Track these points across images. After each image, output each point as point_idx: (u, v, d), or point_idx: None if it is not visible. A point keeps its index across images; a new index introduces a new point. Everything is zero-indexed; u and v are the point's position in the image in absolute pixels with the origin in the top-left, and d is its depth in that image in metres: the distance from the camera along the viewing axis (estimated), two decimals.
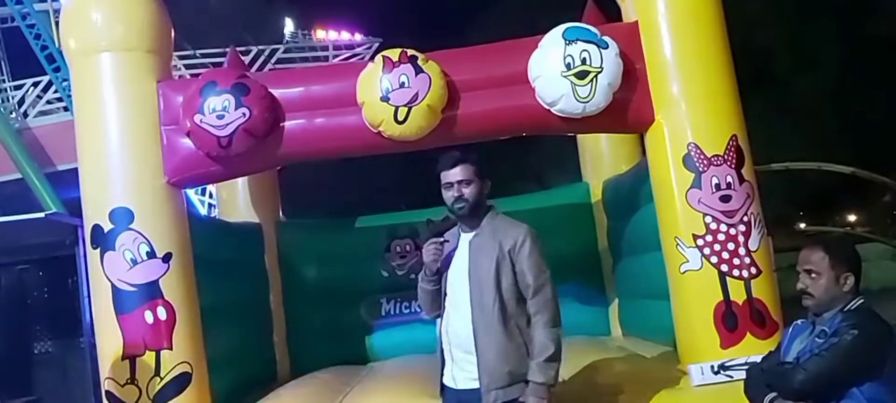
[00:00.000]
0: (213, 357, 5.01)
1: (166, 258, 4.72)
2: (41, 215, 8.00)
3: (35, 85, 18.73)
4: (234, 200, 6.92)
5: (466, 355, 3.39)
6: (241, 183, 6.84)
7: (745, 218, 4.67)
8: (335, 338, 6.89)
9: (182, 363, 4.68)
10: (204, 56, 20.90)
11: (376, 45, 23.58)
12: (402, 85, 4.70)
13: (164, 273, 4.70)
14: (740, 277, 4.63)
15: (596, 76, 4.67)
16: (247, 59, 20.43)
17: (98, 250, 4.68)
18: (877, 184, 12.73)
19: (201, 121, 4.69)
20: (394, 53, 4.82)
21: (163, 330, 4.65)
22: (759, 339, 4.54)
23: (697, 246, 4.67)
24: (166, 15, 5.07)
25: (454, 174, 3.45)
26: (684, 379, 4.66)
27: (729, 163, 4.70)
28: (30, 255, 8.19)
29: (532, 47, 4.86)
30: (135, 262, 4.64)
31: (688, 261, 4.70)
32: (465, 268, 3.43)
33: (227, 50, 6.11)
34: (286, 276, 6.90)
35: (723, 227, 4.65)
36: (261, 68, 21.74)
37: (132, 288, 4.63)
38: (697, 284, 4.68)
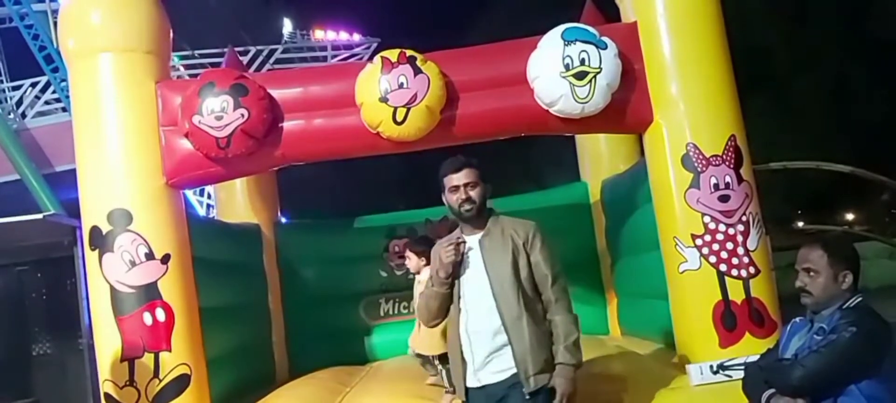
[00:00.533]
0: (212, 358, 5.01)
1: (165, 259, 4.71)
2: (39, 216, 7.98)
3: (33, 85, 18.75)
4: (233, 201, 6.92)
5: (495, 351, 3.42)
6: (239, 184, 6.84)
7: (744, 218, 4.68)
8: (334, 339, 6.89)
9: (181, 364, 4.68)
10: (202, 56, 20.91)
11: (375, 45, 23.61)
12: (400, 85, 4.70)
13: (163, 274, 4.70)
14: (739, 277, 4.64)
15: (595, 76, 4.67)
16: (245, 60, 20.47)
17: (96, 251, 4.68)
18: (875, 183, 12.73)
19: (200, 121, 4.69)
20: (392, 54, 4.82)
21: (161, 332, 4.64)
22: (757, 338, 4.54)
23: (696, 246, 4.67)
24: (165, 16, 5.07)
25: (460, 177, 3.50)
26: (683, 379, 4.66)
27: (727, 163, 4.70)
28: (28, 257, 8.19)
29: (531, 48, 4.86)
30: (133, 264, 4.63)
31: (686, 261, 4.71)
32: (481, 268, 3.48)
33: (226, 50, 6.11)
34: (285, 277, 6.90)
35: (721, 227, 4.65)
36: (259, 69, 21.77)
37: (131, 290, 4.62)
38: (696, 284, 4.68)
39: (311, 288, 6.98)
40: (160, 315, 4.65)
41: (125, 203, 4.70)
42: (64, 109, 17.24)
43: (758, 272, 4.65)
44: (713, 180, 4.68)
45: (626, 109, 4.92)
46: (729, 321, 4.60)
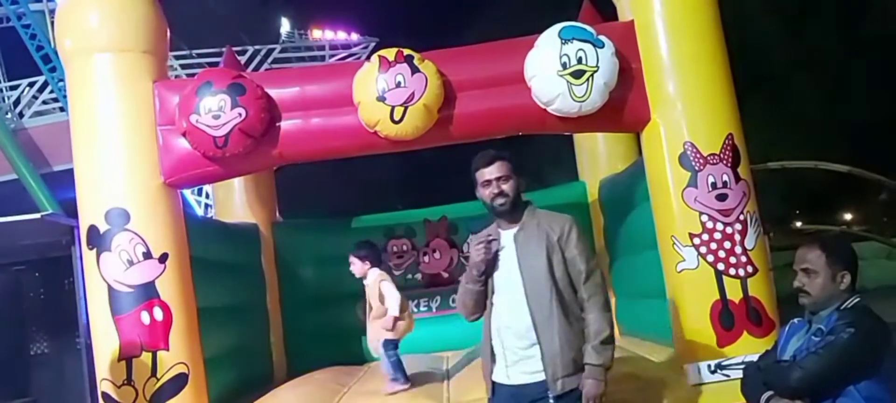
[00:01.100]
0: (209, 357, 5.01)
1: (162, 258, 4.71)
2: (37, 216, 7.96)
3: (31, 85, 18.73)
4: (231, 200, 6.91)
5: (526, 349, 3.38)
6: (237, 183, 6.83)
7: (742, 217, 4.68)
8: (332, 338, 6.89)
9: (179, 363, 4.67)
10: (200, 56, 20.90)
11: (373, 44, 23.60)
12: (398, 84, 4.71)
13: (161, 273, 4.69)
14: (737, 276, 4.64)
15: (592, 75, 4.67)
16: (243, 59, 20.44)
17: (94, 251, 4.68)
18: (873, 183, 12.74)
19: (197, 121, 4.69)
20: (390, 53, 4.82)
21: (159, 331, 4.64)
22: (755, 338, 4.55)
23: (694, 245, 4.67)
24: (162, 16, 5.07)
25: (491, 171, 3.45)
26: (681, 378, 4.66)
27: (725, 162, 4.70)
28: (26, 256, 8.16)
29: (528, 47, 4.86)
30: (131, 263, 4.63)
31: (684, 260, 4.71)
32: (514, 263, 3.42)
33: (224, 50, 6.10)
34: (283, 277, 6.90)
35: (719, 226, 4.65)
36: (257, 68, 21.77)
37: (128, 289, 4.62)
38: (694, 283, 4.68)
39: (309, 287, 6.98)
40: (158, 314, 4.65)
41: (123, 202, 4.69)
42: (61, 109, 17.22)
43: (755, 271, 4.65)
44: (711, 179, 4.68)
45: (624, 108, 4.92)
46: (727, 320, 4.60)
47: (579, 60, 4.67)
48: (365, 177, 24.81)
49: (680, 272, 4.74)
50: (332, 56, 25.23)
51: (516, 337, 3.39)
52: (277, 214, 7.26)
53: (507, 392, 3.44)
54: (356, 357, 6.87)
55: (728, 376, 4.48)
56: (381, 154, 5.30)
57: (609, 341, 3.38)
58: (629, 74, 4.88)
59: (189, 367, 4.72)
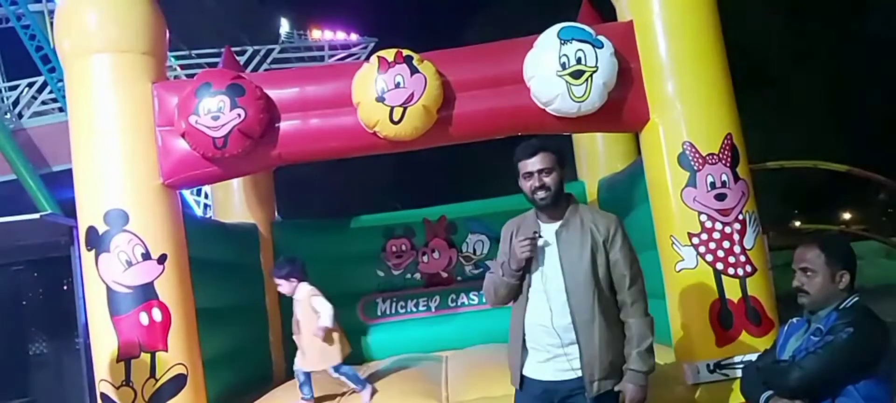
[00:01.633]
0: (208, 358, 5.00)
1: (161, 259, 4.71)
2: (36, 216, 7.96)
3: (30, 85, 18.68)
4: (230, 201, 6.90)
5: (564, 347, 3.31)
6: (236, 184, 6.82)
7: (741, 217, 4.68)
8: None
9: (177, 364, 4.67)
10: (199, 56, 20.88)
11: (372, 45, 23.57)
12: (397, 85, 4.71)
13: (159, 274, 4.69)
14: (735, 275, 4.64)
15: (591, 75, 4.67)
16: (242, 60, 20.42)
17: (93, 252, 4.67)
18: (872, 182, 12.76)
19: (196, 121, 4.69)
20: (389, 53, 4.82)
21: (158, 332, 4.64)
22: (754, 337, 4.55)
23: (693, 245, 4.67)
24: (161, 16, 5.06)
25: (534, 163, 3.36)
26: (680, 378, 4.67)
27: (724, 162, 4.71)
28: (25, 256, 8.16)
29: (527, 47, 4.86)
30: (130, 264, 4.63)
31: (683, 260, 4.71)
32: (556, 261, 3.34)
33: (222, 50, 6.10)
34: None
35: (718, 225, 4.66)
36: (256, 68, 21.72)
37: (127, 290, 4.62)
38: (693, 282, 4.68)
39: None
40: (157, 315, 4.64)
41: (121, 203, 4.69)
42: (61, 109, 17.19)
43: (754, 271, 4.65)
44: (710, 179, 4.68)
45: (623, 108, 4.93)
46: (725, 319, 4.60)
47: (578, 61, 4.67)
48: (364, 178, 24.82)
49: (679, 271, 4.74)
50: (332, 56, 25.18)
51: (554, 336, 3.32)
52: (276, 214, 7.26)
53: (539, 388, 3.39)
54: (355, 357, 6.85)
55: (727, 375, 4.49)
56: (380, 154, 5.30)
57: (652, 348, 3.34)
58: (628, 74, 4.88)
59: (188, 368, 4.72)
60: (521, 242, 3.34)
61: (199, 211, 18.55)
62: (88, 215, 4.73)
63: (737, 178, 4.72)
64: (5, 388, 7.89)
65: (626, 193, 5.89)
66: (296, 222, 7.54)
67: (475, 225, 7.15)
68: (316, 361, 5.14)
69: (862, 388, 2.88)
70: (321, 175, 20.84)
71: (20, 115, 18.15)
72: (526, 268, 3.41)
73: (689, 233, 4.69)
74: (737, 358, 4.48)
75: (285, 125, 4.94)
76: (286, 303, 6.81)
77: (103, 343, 4.64)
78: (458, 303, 7.10)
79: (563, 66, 4.67)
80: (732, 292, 4.63)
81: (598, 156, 7.19)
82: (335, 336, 5.15)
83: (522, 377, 3.46)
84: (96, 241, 4.66)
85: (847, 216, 28.62)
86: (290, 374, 6.31)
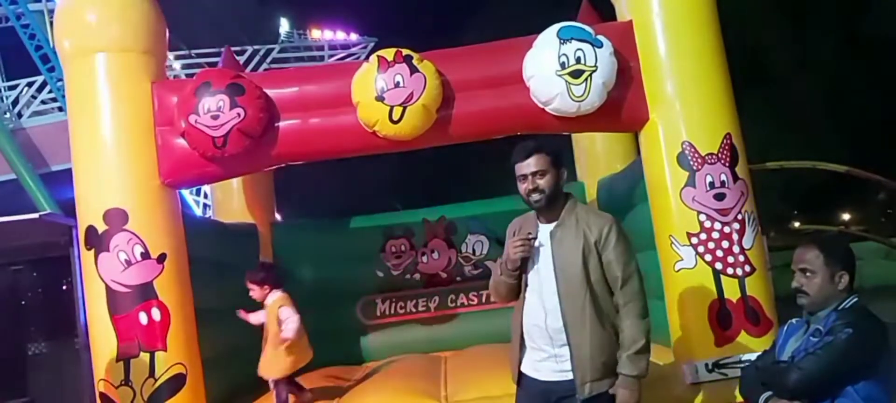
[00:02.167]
0: (207, 358, 5.00)
1: (161, 259, 4.71)
2: (36, 216, 7.97)
3: (29, 85, 18.67)
4: (230, 201, 6.90)
5: (557, 348, 3.31)
6: (236, 183, 6.83)
7: (740, 217, 4.68)
8: (331, 339, 6.86)
9: (176, 364, 4.67)
10: (199, 55, 20.88)
11: (372, 44, 23.57)
12: (397, 84, 4.71)
13: (159, 274, 4.69)
14: (734, 275, 4.64)
15: (590, 75, 4.68)
16: (242, 59, 20.43)
17: (92, 251, 4.67)
18: (871, 183, 12.77)
19: (196, 121, 4.69)
20: (389, 53, 4.82)
21: (157, 331, 4.64)
22: (753, 337, 4.55)
23: (692, 245, 4.67)
24: (161, 16, 5.06)
25: (528, 165, 3.35)
26: (679, 377, 4.67)
27: (723, 162, 4.71)
28: (24, 256, 8.17)
29: (526, 46, 4.86)
30: (129, 263, 4.63)
31: (682, 259, 4.71)
32: (549, 263, 3.34)
33: (222, 50, 6.10)
34: (281, 277, 6.87)
35: (717, 225, 4.66)
36: (256, 68, 21.74)
37: (126, 289, 4.62)
38: (692, 282, 4.68)
39: (307, 288, 6.95)
40: (156, 314, 4.64)
41: (121, 202, 4.69)
42: (60, 109, 17.19)
43: (753, 270, 4.66)
44: (709, 178, 4.68)
45: (622, 108, 4.93)
46: (724, 319, 4.60)
47: (578, 60, 4.67)
48: (363, 178, 24.82)
49: (678, 271, 4.74)
50: (332, 56, 25.18)
51: (547, 336, 3.32)
52: (276, 214, 7.26)
53: (536, 387, 3.39)
54: (355, 357, 6.87)
55: (725, 375, 4.49)
56: (379, 154, 5.29)
57: (644, 350, 3.30)
58: (627, 74, 4.88)
59: (187, 368, 4.72)
60: (516, 244, 3.35)
61: (198, 211, 18.56)
62: (88, 214, 4.73)
63: (736, 178, 4.72)
64: (5, 387, 7.90)
65: (626, 193, 5.89)
66: (295, 222, 7.55)
67: (474, 226, 7.14)
68: (264, 367, 5.08)
69: (861, 389, 2.88)
70: (321, 175, 20.82)
71: (20, 115, 18.14)
72: (523, 268, 3.43)
73: (688, 233, 4.69)
74: (736, 358, 4.48)
75: (285, 125, 4.94)
76: None
77: (102, 342, 4.64)
78: (458, 304, 7.11)
79: (563, 66, 4.67)
80: (731, 292, 4.63)
81: (597, 156, 7.19)
82: (294, 349, 5.06)
83: (521, 374, 3.47)
84: (96, 241, 4.66)
85: (846, 216, 28.63)
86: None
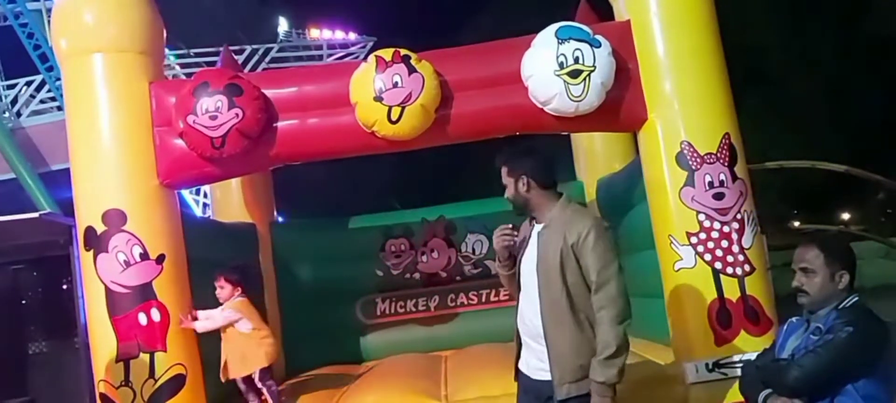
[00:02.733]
0: (207, 358, 5.00)
1: (160, 259, 4.71)
2: (35, 215, 7.95)
3: (28, 84, 18.68)
4: (229, 201, 6.90)
5: (539, 346, 3.34)
6: (235, 183, 6.82)
7: (739, 216, 4.68)
8: (330, 338, 6.89)
9: (176, 364, 4.68)
10: (198, 55, 20.87)
11: (370, 44, 23.56)
12: (395, 84, 4.71)
13: (158, 274, 4.69)
14: (734, 275, 4.65)
15: (589, 75, 4.68)
16: (240, 59, 20.42)
17: (91, 252, 4.67)
18: (870, 182, 12.76)
19: (194, 121, 4.69)
20: (387, 53, 4.82)
21: (157, 332, 4.64)
22: (752, 336, 4.55)
23: (691, 244, 4.67)
24: (158, 16, 5.06)
25: (501, 175, 3.46)
26: (679, 377, 4.67)
27: (722, 161, 4.71)
28: (24, 256, 8.15)
29: (525, 46, 4.87)
30: (128, 264, 4.63)
31: (682, 259, 4.71)
32: (534, 260, 3.36)
33: (221, 49, 6.10)
34: (281, 277, 6.89)
35: (716, 225, 4.66)
36: (255, 68, 21.74)
37: (125, 290, 4.62)
38: (691, 282, 4.68)
39: (307, 287, 6.97)
40: (155, 315, 4.65)
41: (119, 203, 4.69)
42: (59, 108, 17.18)
43: (753, 270, 4.66)
44: (707, 178, 4.69)
45: (621, 107, 4.93)
46: (724, 319, 4.60)
47: (576, 60, 4.67)
48: (362, 177, 24.81)
49: (677, 271, 4.74)
50: (330, 55, 25.17)
51: (533, 332, 3.36)
52: (275, 214, 7.26)
53: (529, 385, 3.43)
54: (355, 356, 6.88)
55: (725, 374, 4.49)
56: (378, 154, 5.29)
57: (615, 356, 3.20)
58: (626, 74, 4.88)
59: (187, 368, 4.72)
60: (498, 234, 3.44)
61: (198, 211, 18.55)
62: (86, 215, 4.73)
63: (735, 178, 4.72)
64: (5, 387, 7.88)
65: (625, 193, 5.89)
66: (295, 222, 7.55)
67: (474, 225, 7.14)
68: (237, 367, 5.01)
69: (861, 387, 2.88)
70: (320, 175, 20.82)
71: (18, 114, 18.14)
72: (515, 262, 3.48)
73: (687, 233, 4.69)
74: (735, 357, 4.48)
75: (283, 125, 4.94)
76: (286, 303, 6.84)
77: (102, 343, 4.64)
78: (457, 303, 7.11)
79: (561, 66, 4.67)
80: (731, 291, 4.63)
81: (596, 156, 7.19)
82: (273, 349, 5.08)
83: (518, 371, 3.51)
84: (94, 241, 4.66)
85: (846, 216, 28.62)
86: (289, 374, 6.33)
